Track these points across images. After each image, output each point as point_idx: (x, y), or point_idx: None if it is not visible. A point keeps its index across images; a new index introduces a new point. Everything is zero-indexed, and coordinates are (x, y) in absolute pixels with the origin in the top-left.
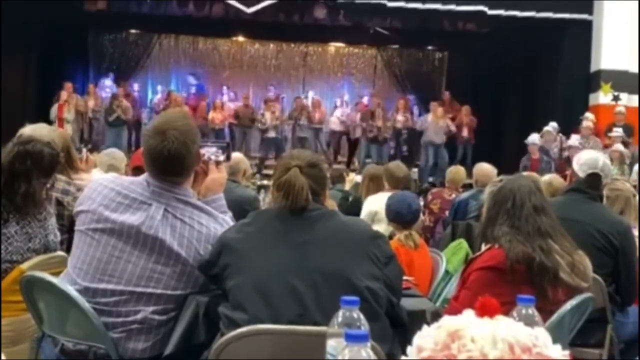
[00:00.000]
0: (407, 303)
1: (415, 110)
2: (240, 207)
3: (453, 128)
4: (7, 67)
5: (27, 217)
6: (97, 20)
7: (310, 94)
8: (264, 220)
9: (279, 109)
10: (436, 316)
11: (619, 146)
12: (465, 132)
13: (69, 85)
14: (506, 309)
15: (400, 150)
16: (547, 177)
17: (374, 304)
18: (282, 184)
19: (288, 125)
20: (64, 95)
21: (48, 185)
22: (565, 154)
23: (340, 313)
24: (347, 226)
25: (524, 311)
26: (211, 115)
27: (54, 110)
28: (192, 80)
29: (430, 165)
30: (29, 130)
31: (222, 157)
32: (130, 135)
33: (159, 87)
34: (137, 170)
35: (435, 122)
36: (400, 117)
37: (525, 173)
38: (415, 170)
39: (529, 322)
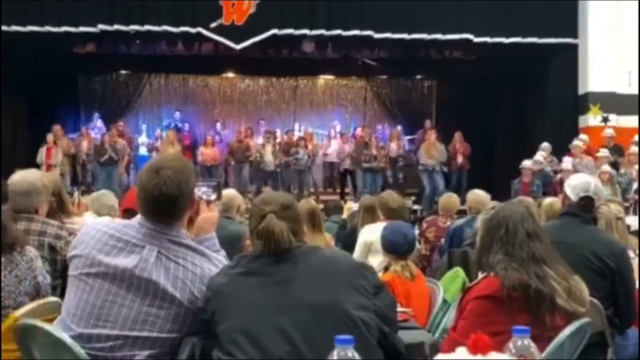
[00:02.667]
0: (405, 335)
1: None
2: (234, 244)
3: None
4: None
5: (14, 260)
6: (86, 63)
7: (296, 126)
8: (248, 262)
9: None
10: (435, 348)
11: (606, 167)
12: (459, 159)
13: (57, 128)
14: (504, 338)
15: (397, 179)
16: (549, 200)
17: (366, 335)
18: (261, 232)
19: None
20: (50, 138)
21: (39, 229)
22: (558, 176)
23: (335, 352)
24: (331, 260)
25: (519, 342)
26: (201, 152)
27: (41, 154)
28: (177, 117)
29: (429, 193)
30: (18, 176)
31: (213, 197)
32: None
33: (144, 127)
34: (128, 212)
35: (427, 149)
36: (394, 146)
37: (519, 198)
38: (409, 199)
39: (525, 353)
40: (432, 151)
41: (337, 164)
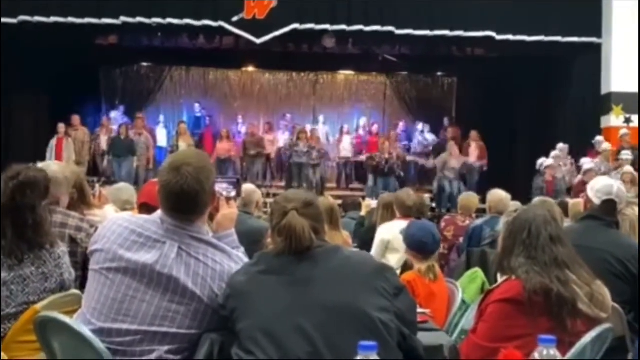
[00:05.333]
0: (424, 338)
1: (421, 136)
2: (253, 239)
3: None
4: (18, 104)
5: (42, 257)
6: (108, 54)
7: (321, 118)
8: (269, 261)
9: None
10: (454, 351)
11: (629, 168)
12: (474, 157)
13: (75, 118)
14: (525, 342)
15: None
16: (578, 200)
17: (385, 337)
18: (283, 228)
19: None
20: (61, 128)
21: (60, 221)
22: (579, 177)
23: (358, 358)
24: (352, 260)
25: (545, 352)
26: (217, 144)
27: (51, 147)
28: (197, 108)
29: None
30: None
31: (233, 193)
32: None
33: (162, 117)
34: (144, 207)
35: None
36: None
37: (540, 198)
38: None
39: None
40: (453, 164)
41: (349, 160)
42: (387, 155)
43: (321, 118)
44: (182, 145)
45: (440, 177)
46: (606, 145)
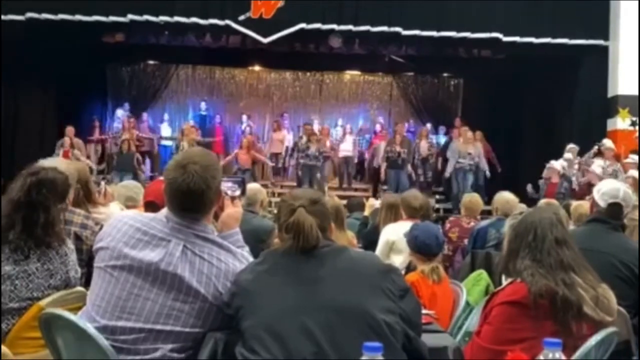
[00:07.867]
0: (428, 339)
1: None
2: (257, 238)
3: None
4: (25, 101)
5: (48, 254)
6: (115, 52)
7: (316, 122)
8: (275, 259)
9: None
10: (458, 352)
11: (633, 172)
12: (477, 158)
13: (70, 129)
14: (530, 345)
15: (426, 177)
16: (580, 202)
17: (390, 338)
18: (291, 225)
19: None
20: (67, 141)
21: (65, 218)
22: (585, 179)
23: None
24: (358, 261)
25: (550, 355)
26: (238, 155)
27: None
28: (203, 107)
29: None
30: (46, 164)
31: (237, 192)
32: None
33: (166, 115)
34: (150, 205)
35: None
36: (423, 144)
37: (546, 200)
38: (434, 197)
39: None
40: (469, 149)
41: (351, 158)
42: (398, 148)
43: (316, 121)
44: (185, 145)
45: (457, 167)
46: (609, 145)
